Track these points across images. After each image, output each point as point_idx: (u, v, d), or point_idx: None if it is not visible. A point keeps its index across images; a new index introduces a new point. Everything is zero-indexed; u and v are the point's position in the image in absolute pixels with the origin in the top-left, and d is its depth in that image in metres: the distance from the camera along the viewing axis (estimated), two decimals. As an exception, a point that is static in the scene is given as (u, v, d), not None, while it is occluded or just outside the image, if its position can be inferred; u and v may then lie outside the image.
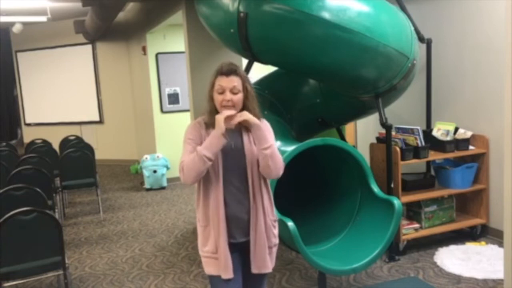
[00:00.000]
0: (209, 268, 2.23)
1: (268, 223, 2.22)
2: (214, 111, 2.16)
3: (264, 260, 2.22)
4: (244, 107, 2.16)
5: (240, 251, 2.23)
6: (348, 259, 3.20)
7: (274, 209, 2.33)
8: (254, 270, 2.22)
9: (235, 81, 2.12)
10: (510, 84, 2.40)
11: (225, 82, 2.12)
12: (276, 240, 2.29)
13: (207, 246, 2.21)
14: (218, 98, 2.13)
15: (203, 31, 4.26)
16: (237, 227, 2.19)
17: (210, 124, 2.16)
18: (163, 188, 7.26)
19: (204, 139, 2.15)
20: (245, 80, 2.17)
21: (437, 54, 4.48)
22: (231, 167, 2.17)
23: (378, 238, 3.21)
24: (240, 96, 2.13)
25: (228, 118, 2.07)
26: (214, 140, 2.07)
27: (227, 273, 2.17)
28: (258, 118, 2.18)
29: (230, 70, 2.13)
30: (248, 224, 2.19)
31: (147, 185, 7.22)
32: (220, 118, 2.07)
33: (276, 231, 2.29)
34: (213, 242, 2.18)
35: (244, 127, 2.19)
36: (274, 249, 2.29)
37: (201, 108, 2.44)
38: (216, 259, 2.18)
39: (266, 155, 2.12)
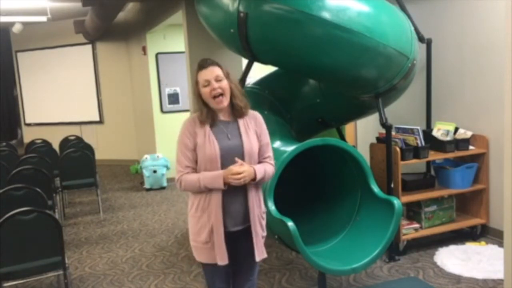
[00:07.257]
0: (202, 256, 2.32)
1: (259, 214, 2.34)
2: (204, 107, 2.25)
3: (262, 248, 2.36)
4: (231, 96, 2.25)
5: (231, 239, 2.29)
6: (348, 259, 3.19)
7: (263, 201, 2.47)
8: (257, 258, 2.33)
9: (216, 71, 2.22)
10: (510, 84, 2.40)
11: (207, 74, 2.21)
12: (264, 232, 2.40)
13: (201, 236, 2.27)
14: (205, 91, 2.22)
15: (203, 31, 4.26)
16: (231, 217, 2.26)
17: (204, 121, 2.25)
18: (163, 188, 7.25)
19: (203, 135, 2.22)
20: (223, 69, 2.26)
21: (437, 54, 4.48)
22: (230, 157, 2.20)
23: (378, 238, 3.21)
24: (226, 83, 2.23)
25: (235, 176, 2.14)
26: (216, 180, 2.17)
27: (224, 260, 2.26)
28: (246, 106, 2.30)
29: (208, 63, 2.24)
30: (242, 215, 2.27)
31: (147, 185, 7.22)
32: (229, 173, 2.15)
33: (264, 223, 2.40)
34: (207, 231, 2.24)
35: (240, 117, 2.30)
36: (263, 240, 2.42)
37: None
38: (208, 248, 2.26)
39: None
